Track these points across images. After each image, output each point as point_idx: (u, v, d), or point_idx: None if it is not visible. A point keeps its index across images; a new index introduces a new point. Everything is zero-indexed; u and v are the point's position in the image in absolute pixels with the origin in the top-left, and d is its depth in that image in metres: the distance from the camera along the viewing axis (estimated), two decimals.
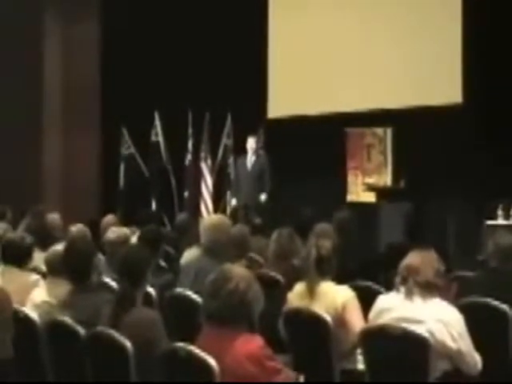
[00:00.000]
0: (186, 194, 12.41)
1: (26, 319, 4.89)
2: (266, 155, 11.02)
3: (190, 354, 3.67)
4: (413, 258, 4.40)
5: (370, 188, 10.45)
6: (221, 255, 5.81)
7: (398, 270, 4.43)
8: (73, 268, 4.96)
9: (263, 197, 10.64)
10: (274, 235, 6.21)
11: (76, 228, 7.51)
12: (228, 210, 12.15)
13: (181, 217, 8.51)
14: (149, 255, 4.85)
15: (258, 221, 8.40)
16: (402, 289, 4.37)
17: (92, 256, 5.03)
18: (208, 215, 11.35)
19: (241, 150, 12.27)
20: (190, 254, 6.54)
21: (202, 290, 4.94)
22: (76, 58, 12.87)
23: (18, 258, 5.89)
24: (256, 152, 10.96)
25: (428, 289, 4.29)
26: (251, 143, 10.95)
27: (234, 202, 11.09)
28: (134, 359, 4.06)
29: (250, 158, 10.93)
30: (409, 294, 4.31)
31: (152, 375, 4.03)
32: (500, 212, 9.04)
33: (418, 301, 4.29)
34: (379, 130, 11.08)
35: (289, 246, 6.09)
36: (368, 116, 10.85)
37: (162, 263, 6.62)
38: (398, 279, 4.43)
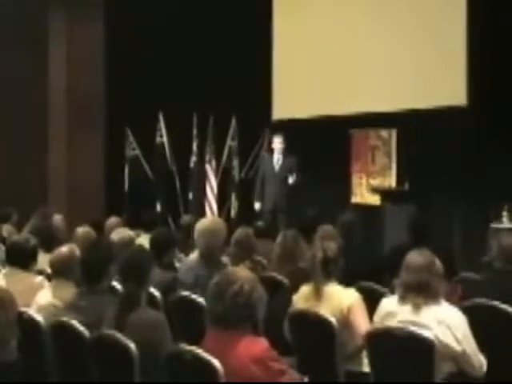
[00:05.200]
0: (191, 195, 12.42)
1: (31, 321, 4.89)
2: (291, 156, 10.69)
3: (195, 356, 3.67)
4: (412, 260, 4.39)
5: (375, 190, 10.45)
6: (217, 260, 5.82)
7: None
8: (89, 270, 4.94)
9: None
10: (279, 238, 6.21)
11: (82, 230, 7.50)
12: (233, 212, 12.17)
13: (185, 218, 8.51)
14: (151, 256, 4.86)
15: (260, 224, 8.39)
16: (403, 291, 4.37)
17: (110, 262, 5.02)
18: (210, 216, 11.31)
19: (245, 152, 12.30)
20: (193, 256, 6.52)
21: (202, 294, 4.98)
22: (80, 59, 12.87)
23: (22, 259, 5.90)
24: (283, 152, 10.67)
25: (430, 292, 4.28)
26: (277, 142, 10.70)
27: (257, 205, 10.79)
28: (138, 361, 4.06)
29: (277, 159, 10.75)
30: (411, 298, 4.31)
31: (156, 376, 4.03)
32: (505, 214, 9.03)
33: (420, 304, 4.28)
34: (384, 132, 11.06)
35: (294, 248, 6.09)
36: (372, 118, 10.84)
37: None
38: (398, 281, 4.44)
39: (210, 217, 10.97)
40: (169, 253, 6.35)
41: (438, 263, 4.36)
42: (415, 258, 4.37)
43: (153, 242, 6.41)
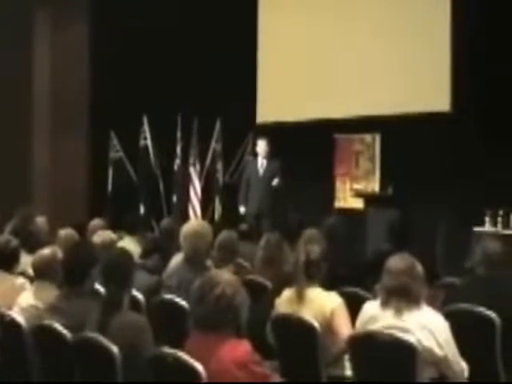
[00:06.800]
0: (175, 198, 12.40)
1: (13, 323, 4.87)
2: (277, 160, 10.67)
3: (178, 360, 3.67)
4: (393, 264, 4.39)
5: (358, 194, 10.47)
6: (202, 263, 5.81)
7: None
8: (71, 272, 4.92)
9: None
10: (263, 241, 6.21)
11: (64, 232, 7.48)
12: (216, 215, 12.17)
13: (165, 221, 8.45)
14: (133, 258, 4.84)
15: (244, 227, 8.38)
16: (385, 296, 4.37)
17: (92, 264, 5.00)
18: (196, 220, 11.29)
19: (229, 155, 12.31)
20: (176, 260, 6.51)
21: (186, 297, 4.97)
22: (65, 61, 12.83)
23: (3, 261, 5.87)
24: (267, 155, 10.65)
25: (412, 295, 4.29)
26: (262, 146, 10.69)
27: (242, 209, 10.77)
28: (120, 364, 4.04)
29: (261, 163, 10.73)
30: (393, 303, 4.32)
31: (139, 379, 4.02)
32: (487, 219, 9.06)
33: (402, 308, 4.28)
34: (367, 137, 11.09)
35: (277, 252, 6.09)
36: (356, 122, 10.86)
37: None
38: (380, 286, 4.44)
39: (195, 220, 10.94)
40: (154, 257, 6.36)
41: (419, 267, 4.36)
42: (396, 262, 4.38)
43: (142, 245, 6.42)
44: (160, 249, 6.54)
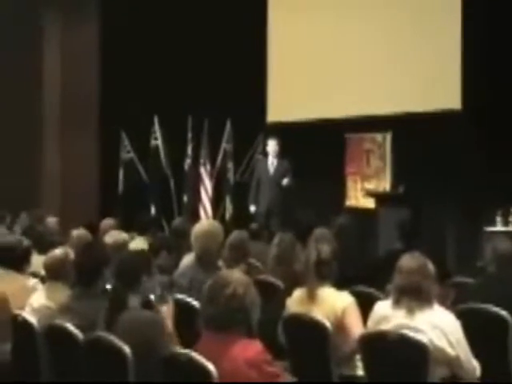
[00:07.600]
0: (185, 198, 12.42)
1: (25, 323, 4.88)
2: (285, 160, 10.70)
3: (190, 360, 3.67)
4: (405, 263, 4.38)
5: (369, 193, 10.45)
6: (213, 263, 5.81)
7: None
8: (83, 272, 4.92)
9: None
10: (276, 240, 6.21)
11: (77, 232, 7.49)
12: (227, 215, 12.17)
13: (177, 221, 8.46)
14: (145, 260, 4.84)
15: (254, 226, 8.38)
16: (397, 295, 4.36)
17: (104, 264, 5.00)
18: (207, 220, 11.30)
19: (240, 155, 12.31)
20: (188, 259, 6.51)
21: (197, 297, 4.97)
22: (75, 61, 12.88)
23: (15, 261, 5.88)
24: (278, 155, 10.68)
25: (423, 294, 4.28)
26: (272, 146, 10.72)
27: (252, 208, 10.80)
28: (132, 363, 4.04)
29: (272, 162, 10.74)
30: (404, 302, 4.31)
31: (152, 378, 4.02)
32: (499, 218, 9.04)
33: (414, 308, 4.28)
34: (378, 136, 11.08)
35: (290, 251, 6.09)
36: (367, 121, 10.85)
37: None
38: (392, 285, 4.43)
39: (206, 220, 10.96)
40: (162, 254, 6.36)
41: (430, 266, 4.35)
42: (408, 261, 4.37)
43: (150, 245, 6.42)
44: (168, 246, 6.53)
